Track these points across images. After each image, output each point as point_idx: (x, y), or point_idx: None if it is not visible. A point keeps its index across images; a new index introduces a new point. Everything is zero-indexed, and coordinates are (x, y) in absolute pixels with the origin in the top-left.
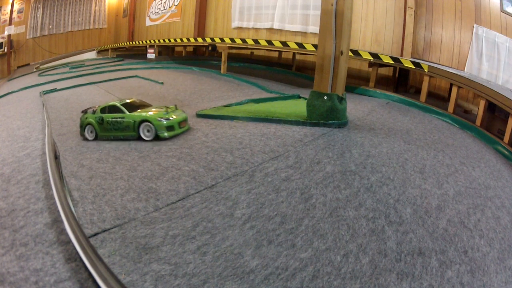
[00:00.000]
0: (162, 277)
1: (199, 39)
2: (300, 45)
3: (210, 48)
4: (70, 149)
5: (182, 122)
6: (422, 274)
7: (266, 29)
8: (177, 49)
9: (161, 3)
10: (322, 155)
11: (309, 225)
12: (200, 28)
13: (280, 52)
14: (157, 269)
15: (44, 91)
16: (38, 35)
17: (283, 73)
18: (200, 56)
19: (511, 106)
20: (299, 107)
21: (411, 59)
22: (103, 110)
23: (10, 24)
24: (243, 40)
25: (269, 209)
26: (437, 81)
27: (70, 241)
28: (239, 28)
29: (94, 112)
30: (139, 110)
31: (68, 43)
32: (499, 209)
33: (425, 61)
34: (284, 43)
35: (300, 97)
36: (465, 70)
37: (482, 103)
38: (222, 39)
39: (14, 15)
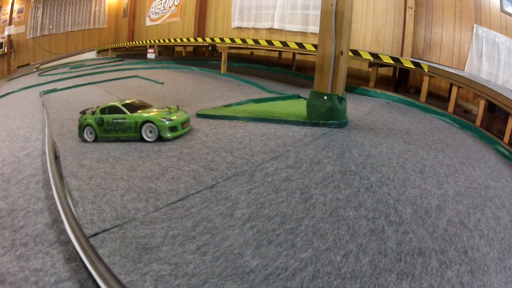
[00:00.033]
0: (162, 277)
1: (199, 39)
2: (300, 45)
3: (210, 48)
4: (70, 149)
5: (184, 123)
6: (422, 274)
7: (266, 29)
8: (177, 49)
9: (161, 3)
10: (322, 155)
11: (309, 225)
12: (200, 28)
13: (280, 52)
14: (157, 269)
15: (44, 91)
16: (38, 35)
17: (283, 73)
18: (200, 56)
19: (511, 106)
20: (299, 107)
21: (411, 59)
22: (103, 110)
23: (10, 24)
24: (243, 40)
25: (269, 209)
26: (437, 81)
27: (70, 241)
28: (239, 28)
29: (93, 113)
30: (139, 111)
31: (68, 43)
32: (499, 209)
33: (425, 61)
34: (284, 43)
35: (300, 97)
36: (465, 70)
37: (482, 103)
38: (222, 39)
39: (14, 15)
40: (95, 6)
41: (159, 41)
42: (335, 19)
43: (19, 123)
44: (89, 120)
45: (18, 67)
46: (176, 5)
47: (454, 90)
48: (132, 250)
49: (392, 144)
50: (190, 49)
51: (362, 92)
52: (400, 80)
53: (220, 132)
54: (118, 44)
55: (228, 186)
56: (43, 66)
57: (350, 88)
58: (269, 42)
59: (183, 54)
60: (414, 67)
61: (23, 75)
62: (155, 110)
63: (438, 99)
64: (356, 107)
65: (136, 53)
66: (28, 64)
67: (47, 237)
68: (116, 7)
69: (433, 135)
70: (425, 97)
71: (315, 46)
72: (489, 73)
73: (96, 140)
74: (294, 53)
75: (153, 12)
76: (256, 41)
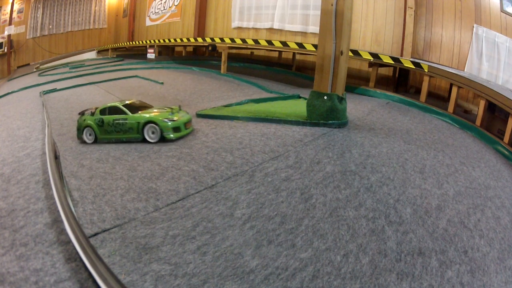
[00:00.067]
0: (162, 277)
1: (199, 39)
2: (300, 45)
3: (210, 48)
4: (70, 149)
5: (187, 123)
6: (422, 274)
7: (266, 29)
8: (177, 49)
9: (161, 3)
10: (322, 155)
11: (309, 225)
12: (200, 28)
13: (280, 52)
14: (157, 269)
15: (44, 91)
16: (38, 35)
17: (283, 73)
18: (200, 56)
19: (511, 106)
20: (299, 107)
21: (411, 59)
22: (103, 111)
23: (10, 24)
24: (243, 40)
25: (269, 209)
26: (437, 81)
27: (70, 241)
28: (239, 28)
29: (92, 114)
30: (140, 112)
31: (68, 43)
32: (499, 209)
33: (425, 61)
34: (284, 43)
35: (300, 97)
36: (465, 70)
37: (482, 103)
38: (222, 39)
39: (14, 15)
40: (95, 6)
41: (159, 41)
42: (335, 19)
43: (19, 123)
44: (89, 121)
45: (18, 67)
46: (176, 5)
47: (454, 90)
48: (132, 250)
49: (392, 144)
50: (190, 49)
51: (362, 92)
52: (400, 80)
53: (220, 132)
54: (118, 44)
55: (228, 186)
56: (43, 66)
57: (350, 88)
58: (269, 42)
59: (183, 54)
60: (414, 67)
61: (23, 75)
62: (156, 110)
63: (438, 99)
64: (356, 107)
65: (136, 53)
66: (28, 64)
67: (47, 237)
68: (116, 7)
69: (433, 135)
70: (425, 97)
71: (315, 46)
72: (489, 73)
73: (96, 141)
74: (294, 53)
75: (153, 12)
76: (256, 41)
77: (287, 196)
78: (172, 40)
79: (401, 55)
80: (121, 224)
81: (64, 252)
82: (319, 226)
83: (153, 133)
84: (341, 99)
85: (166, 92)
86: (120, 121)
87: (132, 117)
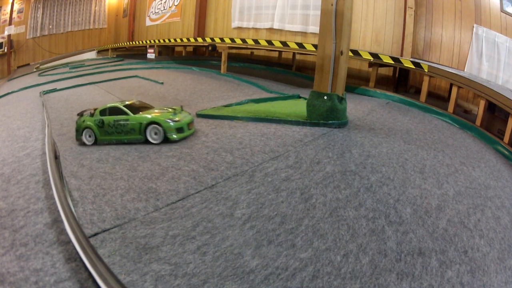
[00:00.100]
0: (162, 277)
1: (199, 39)
2: (300, 45)
3: (210, 48)
4: (70, 149)
5: (190, 124)
6: (422, 274)
7: (266, 29)
8: (177, 49)
9: (161, 3)
10: (322, 155)
11: (309, 225)
12: (200, 28)
13: (280, 52)
14: (157, 269)
15: (44, 91)
16: (38, 35)
17: (283, 73)
18: (200, 56)
19: (511, 106)
20: (299, 107)
21: (411, 59)
22: (103, 112)
23: (10, 24)
24: (243, 40)
25: (269, 209)
26: (437, 81)
27: (70, 241)
28: (239, 28)
29: (92, 115)
30: (141, 112)
31: (68, 43)
32: (499, 209)
33: (425, 61)
34: (284, 43)
35: (300, 97)
36: (465, 70)
37: (482, 103)
38: (222, 39)
39: (14, 15)
40: (95, 6)
41: (159, 41)
42: (335, 19)
43: (19, 123)
44: (88, 122)
45: (18, 67)
46: (176, 5)
47: (454, 90)
48: (132, 250)
49: (392, 144)
50: (190, 49)
51: (362, 92)
52: (400, 80)
53: (220, 132)
54: (118, 44)
55: (228, 186)
56: (43, 66)
57: (350, 88)
58: (269, 42)
59: (183, 54)
60: (414, 67)
61: (23, 75)
62: (156, 111)
63: (438, 99)
64: (356, 107)
65: (136, 53)
66: (28, 64)
67: (47, 237)
68: (116, 7)
69: (433, 135)
70: (425, 97)
71: (315, 46)
72: (489, 73)
73: (96, 143)
74: (294, 53)
75: (153, 12)
76: (256, 41)
77: (287, 196)
78: (172, 40)
79: (401, 55)
80: (121, 224)
81: (64, 252)
82: (319, 226)
83: (155, 134)
84: (341, 99)
85: (166, 92)
86: (122, 122)
87: (134, 118)
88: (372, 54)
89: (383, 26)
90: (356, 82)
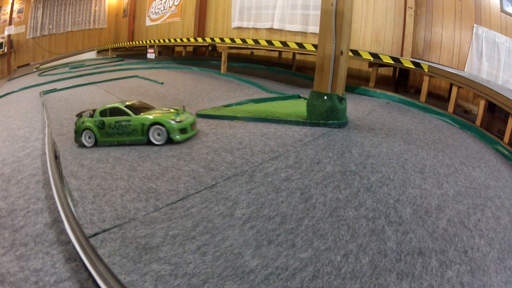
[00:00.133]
0: (162, 277)
1: (199, 39)
2: (300, 45)
3: (210, 48)
4: (70, 149)
5: (192, 125)
6: (422, 274)
7: (266, 29)
8: (177, 49)
9: (161, 3)
10: (322, 155)
11: (309, 225)
12: (200, 28)
13: (280, 52)
14: (157, 269)
15: (44, 91)
16: (38, 35)
17: (283, 73)
18: (200, 56)
19: (511, 106)
20: (299, 107)
21: (411, 59)
22: (103, 113)
23: (10, 24)
24: (243, 40)
25: (269, 209)
26: (437, 81)
27: (70, 241)
28: (239, 28)
29: (91, 116)
30: (142, 113)
31: (68, 43)
32: (499, 209)
33: (425, 61)
34: (284, 43)
35: (300, 97)
36: (465, 70)
37: (482, 103)
38: (222, 39)
39: (14, 15)
40: (95, 6)
41: (159, 41)
42: (335, 19)
43: (19, 123)
44: (88, 124)
45: (18, 67)
46: (176, 5)
47: (454, 90)
48: (132, 250)
49: (392, 144)
50: (190, 49)
51: (362, 92)
52: (400, 80)
53: (220, 132)
54: (118, 44)
55: (228, 186)
56: (43, 66)
57: (350, 88)
58: (269, 42)
59: (183, 54)
60: (414, 67)
61: (23, 75)
62: (158, 111)
63: (438, 99)
64: (356, 107)
65: (136, 53)
66: (28, 64)
67: (47, 237)
68: (116, 7)
69: (433, 135)
70: (425, 97)
71: (315, 46)
72: (489, 73)
73: (96, 144)
74: (294, 53)
75: (153, 12)
76: (256, 41)
77: (287, 196)
78: (172, 40)
79: (401, 55)
80: (121, 224)
81: (64, 252)
82: (319, 226)
83: (158, 135)
84: (341, 99)
85: (166, 92)
86: (123, 123)
87: (136, 119)
88: (372, 54)
89: (383, 26)
90: (356, 82)
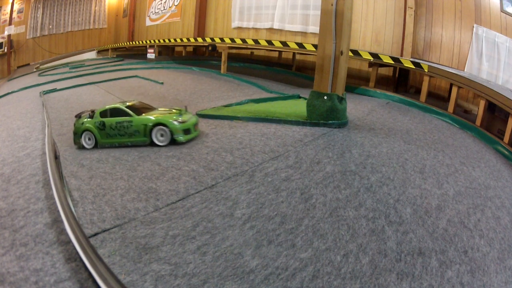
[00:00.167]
0: (162, 277)
1: (199, 39)
2: (300, 45)
3: (210, 48)
4: (70, 149)
5: (195, 125)
6: (422, 274)
7: (266, 29)
8: (177, 49)
9: (161, 3)
10: (322, 155)
11: (309, 225)
12: (200, 28)
13: (280, 52)
14: (157, 269)
15: (44, 91)
16: (38, 35)
17: (283, 73)
18: (200, 56)
19: (511, 106)
20: (299, 107)
21: (411, 59)
22: (104, 113)
23: (10, 24)
24: (243, 40)
25: (269, 209)
26: (437, 81)
27: (70, 241)
28: (239, 28)
29: (91, 117)
30: (144, 114)
31: (68, 43)
32: (499, 209)
33: (425, 61)
34: (284, 43)
35: (300, 97)
36: (465, 70)
37: (482, 103)
38: (222, 39)
39: (14, 15)
40: (95, 6)
41: (159, 41)
42: (335, 19)
43: (19, 123)
44: (88, 125)
45: (18, 67)
46: (176, 5)
47: (454, 90)
48: (132, 250)
49: (392, 144)
50: (190, 49)
51: (362, 92)
52: (400, 80)
53: (220, 132)
54: (118, 44)
55: (228, 186)
56: (43, 66)
57: (350, 88)
58: (269, 42)
59: (183, 54)
60: (414, 67)
61: (23, 75)
62: (160, 112)
63: (438, 99)
64: (356, 107)
65: (136, 53)
66: (28, 64)
67: (47, 237)
68: (116, 7)
69: (433, 135)
70: (425, 97)
71: (315, 46)
72: (489, 73)
73: (96, 146)
74: (294, 53)
75: (153, 12)
76: (256, 41)
77: (287, 196)
78: (172, 40)
79: (401, 55)
80: (121, 224)
81: (64, 252)
82: (319, 226)
83: (162, 135)
84: (341, 99)
85: (166, 92)
86: (125, 124)
87: (138, 119)
88: (372, 54)
89: (383, 26)
90: (356, 82)
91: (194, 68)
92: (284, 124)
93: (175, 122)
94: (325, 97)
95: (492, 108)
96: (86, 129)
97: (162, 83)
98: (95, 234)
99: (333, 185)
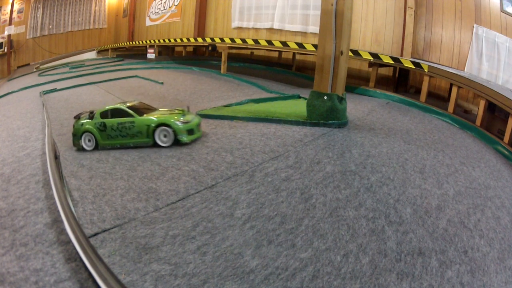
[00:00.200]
0: (162, 277)
1: (199, 39)
2: (300, 45)
3: (210, 48)
4: (70, 149)
5: (199, 125)
6: (422, 274)
7: (266, 29)
8: (177, 49)
9: (161, 3)
10: (322, 155)
11: (309, 225)
12: (200, 28)
13: (280, 52)
14: (157, 269)
15: (44, 91)
16: (38, 35)
17: (283, 73)
18: (200, 56)
19: (511, 106)
20: (299, 107)
21: (411, 59)
22: (104, 114)
23: (10, 24)
24: (243, 40)
25: (269, 209)
26: (437, 81)
27: (70, 241)
28: (239, 28)
29: (91, 117)
30: (145, 114)
31: (68, 43)
32: (499, 209)
33: (425, 61)
34: (284, 43)
35: (300, 97)
36: (465, 70)
37: (482, 103)
38: (222, 39)
39: (14, 15)
40: (95, 6)
41: (159, 41)
42: (335, 19)
43: (19, 123)
44: (88, 126)
45: (18, 67)
46: (176, 5)
47: (454, 90)
48: (132, 250)
49: (392, 144)
50: (190, 49)
51: (362, 92)
52: (400, 80)
53: (220, 132)
54: (118, 44)
55: (228, 186)
56: (43, 66)
57: (350, 88)
58: (269, 42)
59: (183, 54)
60: (414, 67)
61: (23, 75)
62: (161, 112)
63: (438, 99)
64: (356, 107)
65: (136, 53)
66: (28, 64)
67: (47, 237)
68: (116, 7)
69: (433, 135)
70: (425, 97)
71: (315, 46)
72: (489, 73)
73: (97, 148)
74: (294, 53)
75: (153, 12)
76: (256, 41)
77: (287, 196)
78: (172, 40)
79: (401, 55)
80: (121, 224)
81: (64, 252)
82: (319, 226)
83: (165, 136)
84: (341, 99)
85: (166, 92)
86: (127, 125)
87: (141, 120)
88: (372, 54)
89: (383, 26)
90: (356, 82)
91: (194, 68)
92: (284, 124)
93: (179, 123)
94: (325, 97)
95: (492, 108)
96: (86, 130)
97: (162, 83)
98: (95, 234)
99: (333, 185)
